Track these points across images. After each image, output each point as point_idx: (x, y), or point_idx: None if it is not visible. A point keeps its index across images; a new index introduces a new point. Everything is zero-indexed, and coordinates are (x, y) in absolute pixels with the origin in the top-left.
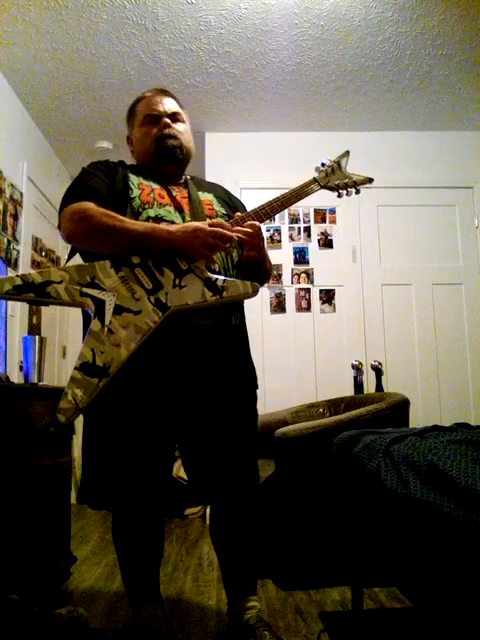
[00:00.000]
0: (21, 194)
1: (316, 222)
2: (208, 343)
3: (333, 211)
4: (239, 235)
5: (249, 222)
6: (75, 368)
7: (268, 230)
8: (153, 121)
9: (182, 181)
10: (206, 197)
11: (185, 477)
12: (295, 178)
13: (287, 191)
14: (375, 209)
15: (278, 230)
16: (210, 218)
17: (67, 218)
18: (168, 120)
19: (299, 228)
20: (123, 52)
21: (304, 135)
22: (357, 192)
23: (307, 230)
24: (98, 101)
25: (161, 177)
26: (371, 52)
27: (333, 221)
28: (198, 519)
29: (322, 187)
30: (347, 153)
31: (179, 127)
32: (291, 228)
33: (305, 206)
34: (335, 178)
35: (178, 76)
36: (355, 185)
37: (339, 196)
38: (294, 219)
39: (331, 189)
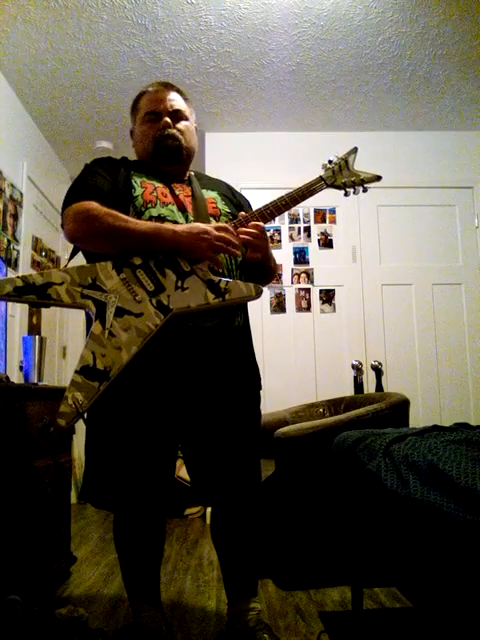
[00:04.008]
0: (21, 194)
1: (316, 222)
2: (211, 345)
3: (333, 211)
4: (244, 237)
5: (253, 223)
6: (76, 371)
7: (268, 230)
8: (154, 119)
9: (185, 178)
10: (210, 195)
11: (186, 477)
12: (295, 178)
13: (292, 190)
14: (375, 209)
15: (278, 230)
16: (214, 217)
17: (70, 218)
18: (169, 120)
19: (299, 228)
20: (123, 52)
21: (304, 135)
22: (364, 190)
23: (307, 230)
24: (98, 101)
25: (164, 175)
26: (371, 52)
27: (333, 221)
28: (198, 519)
29: (329, 186)
30: (355, 149)
31: (181, 126)
32: (291, 228)
33: (305, 206)
34: (342, 176)
35: (178, 76)
36: (363, 183)
37: (346, 194)
38: (294, 219)
39: (338, 188)
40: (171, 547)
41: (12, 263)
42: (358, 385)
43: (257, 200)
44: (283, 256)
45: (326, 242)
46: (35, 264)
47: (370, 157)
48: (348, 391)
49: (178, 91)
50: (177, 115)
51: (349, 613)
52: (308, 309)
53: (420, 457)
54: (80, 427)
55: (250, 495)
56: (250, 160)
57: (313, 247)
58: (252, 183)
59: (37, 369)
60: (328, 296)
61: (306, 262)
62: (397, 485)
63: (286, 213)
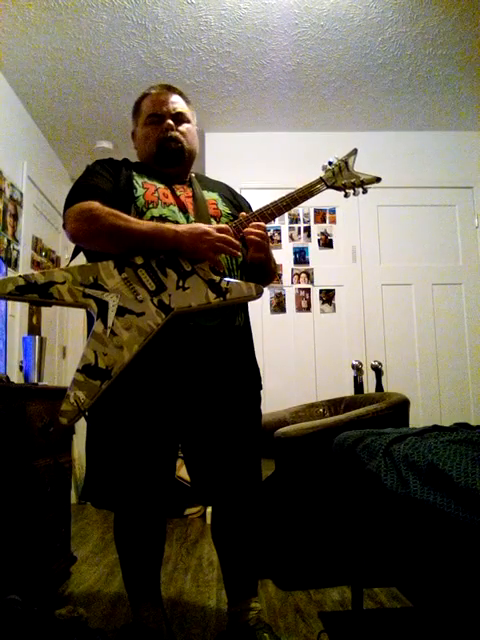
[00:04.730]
0: (21, 194)
1: (316, 222)
2: (212, 344)
3: (333, 211)
4: (246, 237)
5: (255, 223)
6: (77, 370)
7: (268, 230)
8: (156, 122)
9: (186, 180)
10: (211, 196)
11: (186, 477)
12: (295, 178)
13: (293, 191)
14: (375, 209)
15: (278, 230)
16: (214, 218)
17: (72, 217)
18: (171, 122)
19: (299, 228)
20: (123, 52)
21: (304, 135)
22: (364, 191)
23: (307, 230)
24: (98, 101)
25: (165, 177)
26: (371, 52)
27: (333, 221)
28: (198, 519)
29: (329, 187)
30: (355, 151)
31: (183, 128)
32: (291, 228)
33: (305, 206)
34: (342, 177)
35: (178, 76)
36: (362, 184)
37: (346, 196)
38: (294, 219)
39: (338, 189)
40: (171, 547)
41: (12, 263)
42: (358, 385)
43: (257, 200)
44: (283, 256)
45: (326, 242)
46: (35, 264)
47: (370, 157)
48: (348, 391)
49: (180, 94)
50: (179, 118)
51: (349, 613)
52: (308, 309)
53: (420, 457)
54: (80, 427)
55: (251, 495)
56: (250, 160)
57: (313, 247)
58: (252, 183)
59: (37, 369)
60: (328, 296)
61: (306, 262)
62: (397, 485)
63: (286, 213)
